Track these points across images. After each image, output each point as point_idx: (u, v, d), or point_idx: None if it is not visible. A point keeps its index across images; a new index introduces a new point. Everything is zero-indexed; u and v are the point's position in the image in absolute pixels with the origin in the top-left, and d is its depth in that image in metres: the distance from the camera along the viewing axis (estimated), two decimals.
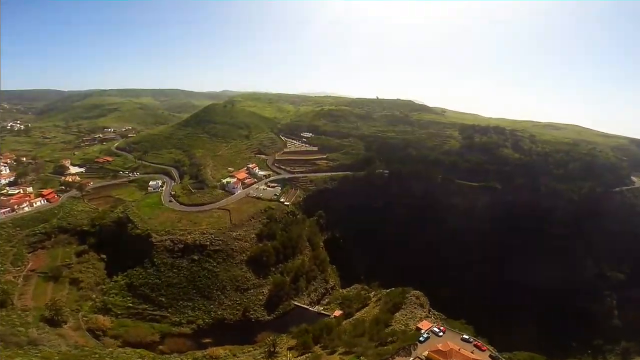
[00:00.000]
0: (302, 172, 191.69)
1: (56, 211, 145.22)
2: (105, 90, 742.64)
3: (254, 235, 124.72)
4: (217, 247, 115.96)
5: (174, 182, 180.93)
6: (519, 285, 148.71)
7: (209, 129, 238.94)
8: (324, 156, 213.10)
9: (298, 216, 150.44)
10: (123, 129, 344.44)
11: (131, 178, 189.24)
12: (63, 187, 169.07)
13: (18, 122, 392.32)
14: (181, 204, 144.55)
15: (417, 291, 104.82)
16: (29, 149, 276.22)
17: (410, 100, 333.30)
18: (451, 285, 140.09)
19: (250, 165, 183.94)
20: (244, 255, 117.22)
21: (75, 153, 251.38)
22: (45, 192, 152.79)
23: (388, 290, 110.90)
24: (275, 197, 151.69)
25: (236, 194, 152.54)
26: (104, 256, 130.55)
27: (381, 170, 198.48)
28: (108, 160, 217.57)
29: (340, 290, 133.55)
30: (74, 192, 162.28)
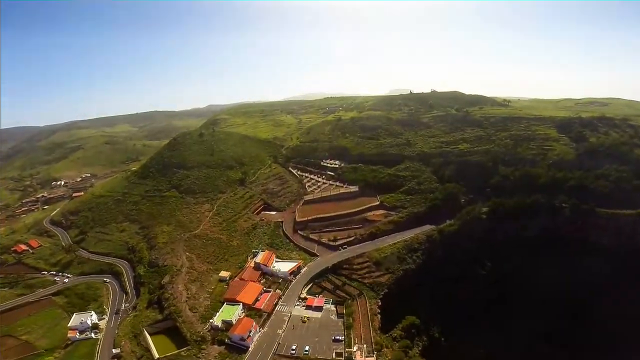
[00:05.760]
0: (351, 244, 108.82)
1: None
2: (75, 122, 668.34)
3: None
4: None
5: (126, 299, 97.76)
6: None
7: (178, 180, 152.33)
8: (376, 202, 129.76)
9: None
10: (79, 178, 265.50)
11: (57, 286, 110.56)
12: None
13: None
14: None
15: None
16: None
17: (455, 91, 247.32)
18: None
19: (259, 259, 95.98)
20: None
21: None
22: None
23: None
24: (338, 344, 66.24)
25: (250, 350, 67.48)
26: None
27: (478, 213, 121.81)
28: (32, 248, 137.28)
29: None
30: None
